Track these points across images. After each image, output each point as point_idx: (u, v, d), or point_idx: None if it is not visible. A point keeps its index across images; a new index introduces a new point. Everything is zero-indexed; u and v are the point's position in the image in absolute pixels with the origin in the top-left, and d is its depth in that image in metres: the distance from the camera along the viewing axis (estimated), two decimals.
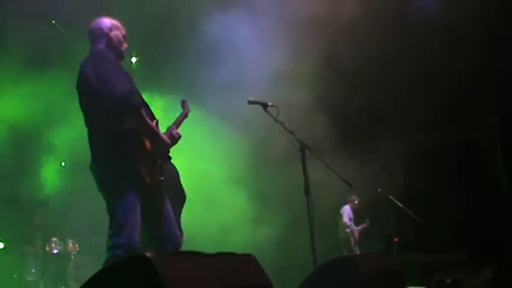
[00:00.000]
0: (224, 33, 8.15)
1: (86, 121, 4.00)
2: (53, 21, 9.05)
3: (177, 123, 4.56)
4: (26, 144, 8.73)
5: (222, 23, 8.09)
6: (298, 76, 8.23)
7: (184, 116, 4.67)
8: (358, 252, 9.66)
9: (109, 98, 3.74)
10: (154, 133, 4.06)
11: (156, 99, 8.17)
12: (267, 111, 5.04)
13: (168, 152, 4.42)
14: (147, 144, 3.98)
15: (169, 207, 4.17)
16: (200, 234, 7.26)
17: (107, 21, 4.20)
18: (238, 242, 8.18)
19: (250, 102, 5.10)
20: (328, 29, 7.93)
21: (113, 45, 4.12)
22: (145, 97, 4.27)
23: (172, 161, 4.59)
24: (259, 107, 5.09)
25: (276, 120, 5.01)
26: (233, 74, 7.89)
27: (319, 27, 7.90)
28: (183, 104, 4.75)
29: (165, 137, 4.25)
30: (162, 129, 4.36)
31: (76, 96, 4.03)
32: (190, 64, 8.56)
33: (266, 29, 7.97)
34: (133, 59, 10.11)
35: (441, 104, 9.25)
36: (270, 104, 5.04)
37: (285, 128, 5.02)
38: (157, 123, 4.19)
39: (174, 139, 4.38)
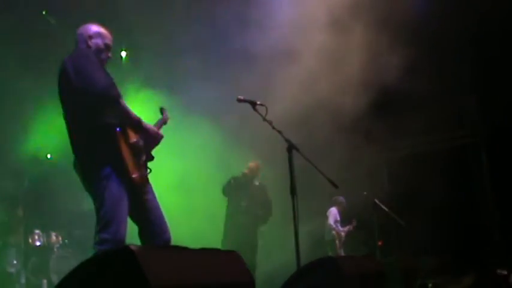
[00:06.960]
0: None
1: (65, 117, 4.00)
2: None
3: (157, 127, 4.46)
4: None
5: None
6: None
7: (163, 122, 4.59)
8: (342, 255, 9.70)
9: (89, 92, 3.76)
10: (139, 125, 4.04)
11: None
12: (255, 110, 5.01)
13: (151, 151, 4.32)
14: (132, 136, 3.96)
15: (156, 202, 4.17)
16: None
17: (91, 28, 4.22)
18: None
19: (240, 101, 5.07)
20: None
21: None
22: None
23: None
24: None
25: (264, 119, 4.98)
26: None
27: None
28: (162, 111, 4.67)
29: (152, 128, 4.23)
30: None
31: None
32: None
33: None
34: (123, 53, 10.08)
35: (427, 110, 9.31)
36: (258, 102, 5.02)
37: (273, 127, 4.99)
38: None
39: (158, 136, 4.34)
